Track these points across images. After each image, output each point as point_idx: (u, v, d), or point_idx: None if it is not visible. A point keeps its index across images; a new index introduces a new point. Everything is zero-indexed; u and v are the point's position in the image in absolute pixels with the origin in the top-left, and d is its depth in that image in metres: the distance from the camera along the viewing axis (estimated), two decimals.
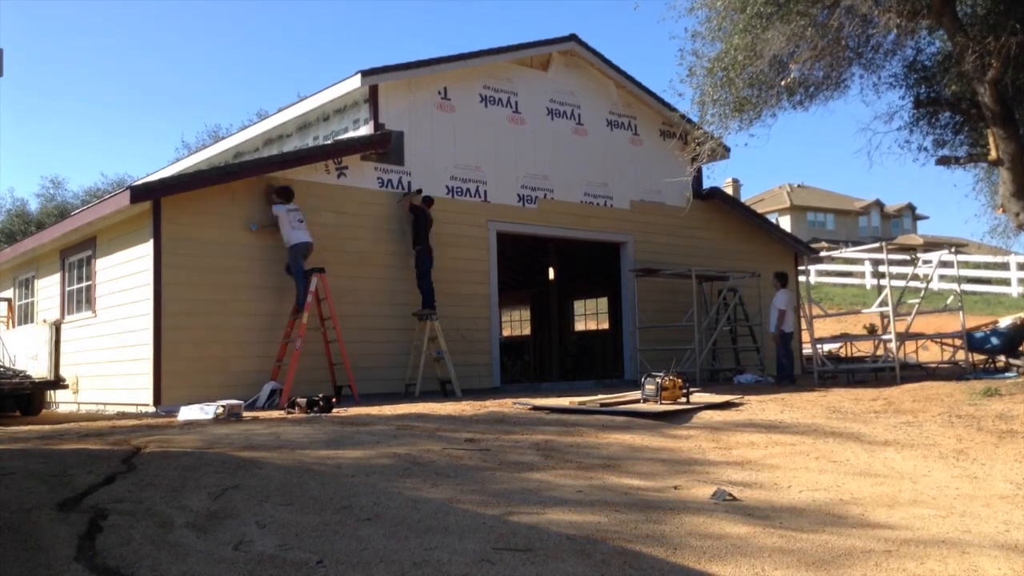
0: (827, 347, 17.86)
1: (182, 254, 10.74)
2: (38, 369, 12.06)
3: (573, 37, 14.92)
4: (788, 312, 13.70)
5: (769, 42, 10.51)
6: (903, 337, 14.03)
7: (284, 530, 3.94)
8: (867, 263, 31.33)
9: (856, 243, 47.33)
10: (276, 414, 9.47)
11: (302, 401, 9.65)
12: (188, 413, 9.31)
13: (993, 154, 11.35)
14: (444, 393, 11.92)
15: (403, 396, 11.84)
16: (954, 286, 28.89)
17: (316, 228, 11.85)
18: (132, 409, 10.86)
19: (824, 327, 24.41)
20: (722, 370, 15.77)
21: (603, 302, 20.77)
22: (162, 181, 11.66)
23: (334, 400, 9.88)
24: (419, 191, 12.71)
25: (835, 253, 24.32)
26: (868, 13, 10.41)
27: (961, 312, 13.80)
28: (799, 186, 56.92)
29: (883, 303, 14.34)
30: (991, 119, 11.06)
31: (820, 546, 3.96)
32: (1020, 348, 13.76)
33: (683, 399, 9.76)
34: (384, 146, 12.52)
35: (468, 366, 12.94)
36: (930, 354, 17.66)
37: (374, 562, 3.46)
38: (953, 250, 17.03)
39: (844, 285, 31.01)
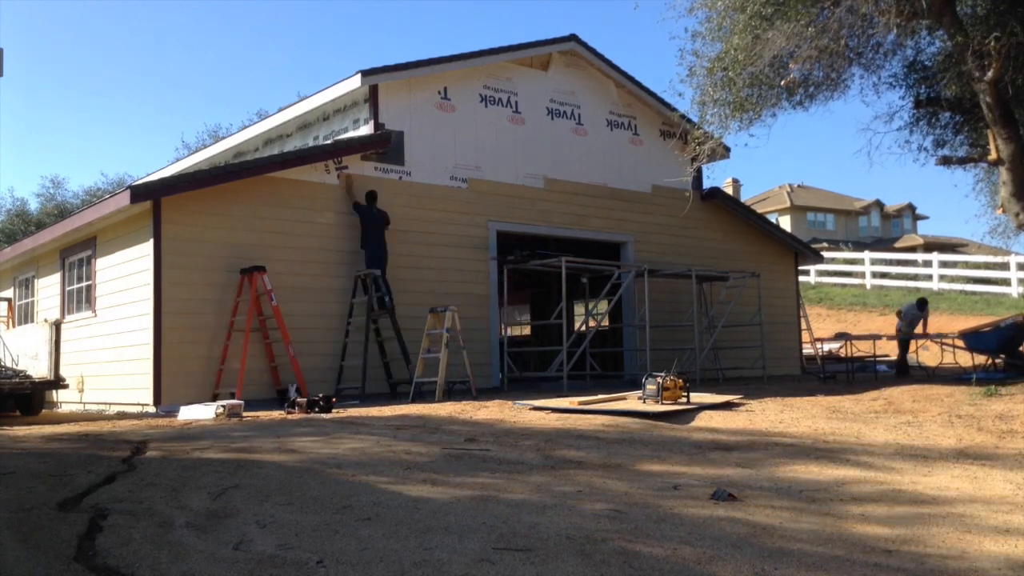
0: (827, 347, 17.87)
1: (182, 254, 10.75)
2: (38, 369, 12.05)
3: (573, 37, 14.92)
4: None
5: (769, 42, 10.50)
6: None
7: (284, 530, 3.94)
8: (867, 263, 31.30)
9: (856, 243, 47.32)
10: (277, 414, 9.47)
11: (302, 401, 9.66)
12: (188, 413, 9.32)
13: (993, 154, 11.35)
14: (450, 394, 11.60)
15: (393, 397, 11.77)
16: (955, 286, 29.02)
17: (316, 228, 11.87)
18: (134, 409, 10.87)
19: (825, 327, 24.44)
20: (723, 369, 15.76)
21: (603, 302, 20.68)
22: (162, 181, 11.66)
23: (333, 400, 9.89)
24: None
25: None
26: (868, 13, 10.40)
27: None
28: (799, 186, 56.81)
29: None
30: (991, 119, 11.04)
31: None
32: (1020, 348, 13.76)
33: (684, 399, 9.76)
34: (384, 146, 12.52)
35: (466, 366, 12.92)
36: (930, 355, 17.69)
37: (374, 562, 3.46)
38: None
39: (844, 285, 31.00)
